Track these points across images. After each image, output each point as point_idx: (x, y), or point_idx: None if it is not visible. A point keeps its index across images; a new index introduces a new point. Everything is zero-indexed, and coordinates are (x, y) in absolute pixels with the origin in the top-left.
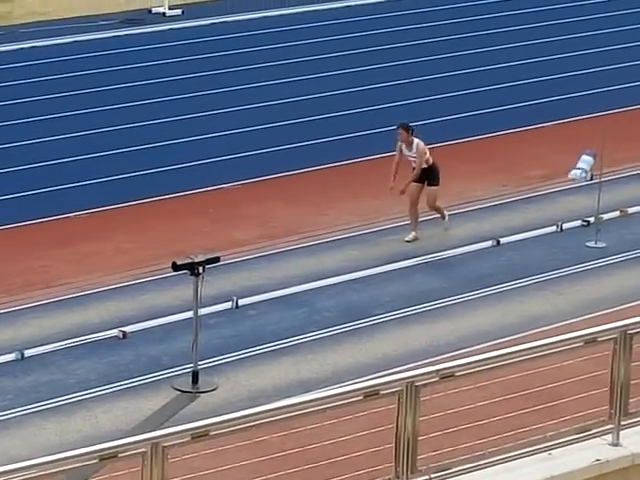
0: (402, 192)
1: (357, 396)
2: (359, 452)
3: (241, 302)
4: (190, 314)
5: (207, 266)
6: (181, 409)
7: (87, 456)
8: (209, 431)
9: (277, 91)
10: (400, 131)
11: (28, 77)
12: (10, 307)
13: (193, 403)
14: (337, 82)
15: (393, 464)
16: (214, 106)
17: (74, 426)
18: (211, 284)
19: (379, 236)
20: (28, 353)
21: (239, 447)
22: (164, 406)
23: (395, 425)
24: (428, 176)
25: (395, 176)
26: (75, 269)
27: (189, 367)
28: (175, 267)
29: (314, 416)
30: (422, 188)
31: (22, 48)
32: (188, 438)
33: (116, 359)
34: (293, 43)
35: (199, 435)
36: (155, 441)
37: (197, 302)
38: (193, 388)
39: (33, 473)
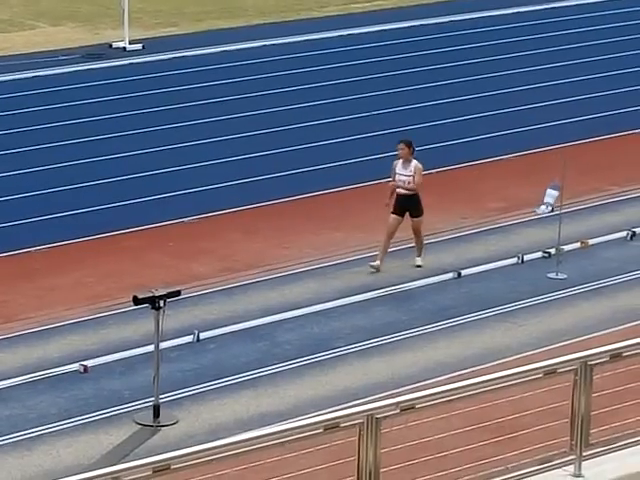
0: (387, 205)
1: (317, 429)
2: None
3: (202, 335)
4: (151, 348)
5: (168, 300)
6: (142, 443)
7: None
8: (170, 464)
9: (234, 125)
10: (402, 146)
11: None
12: None
13: (154, 437)
14: (295, 115)
15: None
16: (171, 140)
17: (35, 460)
18: (172, 318)
19: (340, 269)
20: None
21: None
22: (125, 440)
23: (356, 457)
24: (410, 205)
25: (392, 194)
26: (35, 303)
27: (150, 401)
28: (136, 301)
29: (275, 449)
30: (401, 222)
31: None
32: (149, 472)
33: (77, 393)
34: (254, 77)
35: (160, 469)
36: (116, 475)
37: (158, 336)
38: (154, 422)
39: None
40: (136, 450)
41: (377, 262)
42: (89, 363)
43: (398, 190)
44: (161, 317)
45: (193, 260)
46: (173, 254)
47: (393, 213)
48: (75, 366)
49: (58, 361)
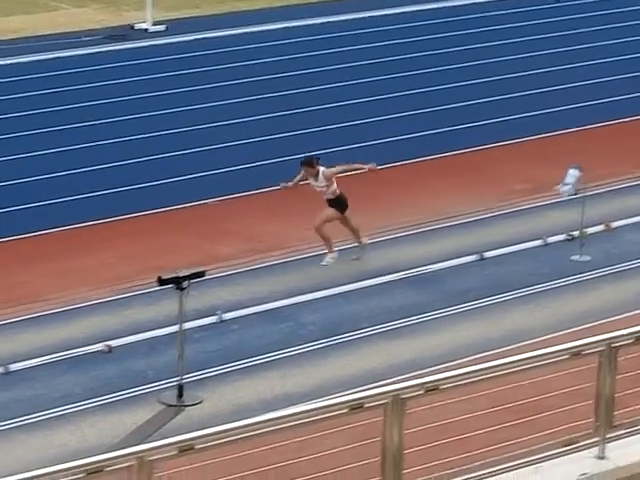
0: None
1: (342, 409)
2: (345, 465)
3: (226, 316)
4: (175, 328)
5: (192, 280)
6: (166, 423)
7: (74, 470)
8: (195, 444)
9: (257, 107)
10: (304, 168)
11: (11, 93)
12: (14, 317)
13: (178, 417)
14: (317, 97)
15: (380, 478)
16: (196, 122)
17: (59, 440)
18: (196, 298)
19: (363, 250)
20: (13, 367)
21: (224, 461)
22: (149, 420)
23: (381, 438)
24: (339, 205)
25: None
26: (58, 284)
27: (174, 381)
28: (160, 281)
29: (299, 429)
30: (341, 217)
31: (4, 64)
32: (174, 452)
33: (101, 373)
34: (275, 59)
35: (185, 449)
36: (141, 455)
37: (182, 316)
38: (178, 402)
39: None
40: (160, 430)
41: (330, 255)
42: (113, 343)
43: (324, 197)
44: (184, 298)
45: (217, 241)
46: (197, 235)
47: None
48: (99, 346)
49: (82, 341)
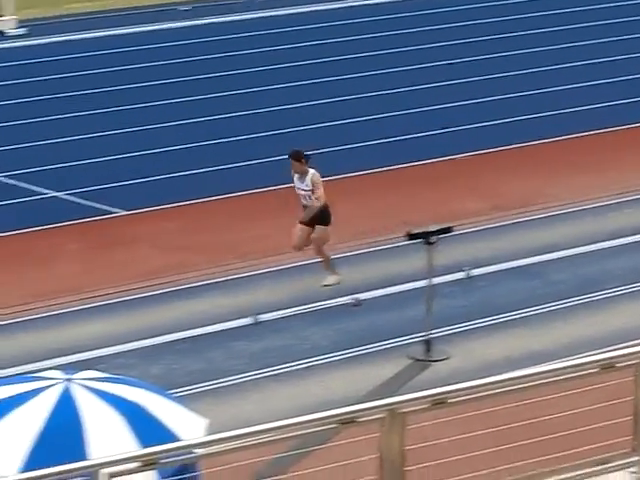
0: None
1: (593, 368)
2: (595, 425)
3: (473, 273)
4: (422, 283)
5: (440, 236)
6: (413, 377)
7: (328, 420)
8: (447, 399)
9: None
10: (292, 162)
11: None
12: (244, 272)
13: (425, 371)
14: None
15: (631, 437)
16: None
17: (308, 391)
18: (443, 254)
19: (612, 209)
20: (262, 318)
21: (469, 417)
22: (397, 374)
23: (634, 397)
24: (317, 219)
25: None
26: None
27: (421, 336)
28: (410, 236)
29: (547, 388)
30: (310, 232)
31: None
32: (427, 405)
33: (348, 326)
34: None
35: (438, 402)
36: (393, 407)
37: (430, 271)
38: (426, 357)
39: (269, 436)
40: (408, 384)
41: (332, 277)
42: (361, 296)
43: (303, 202)
44: (432, 253)
45: (464, 197)
46: (445, 190)
47: (301, 222)
48: (348, 299)
49: (330, 294)
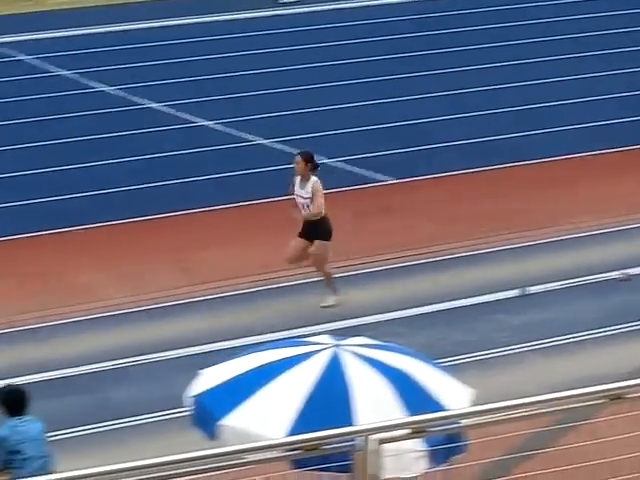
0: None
1: None
2: None
3: None
4: None
5: None
6: None
7: (597, 395)
8: None
9: None
10: (298, 159)
11: None
12: (514, 244)
13: None
14: None
15: None
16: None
17: (568, 366)
18: None
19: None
20: (531, 290)
21: None
22: None
23: None
24: (316, 231)
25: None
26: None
27: None
28: None
29: None
30: (308, 246)
31: None
32: None
33: (615, 302)
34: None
35: None
36: None
37: None
38: None
39: (536, 409)
40: None
41: (332, 298)
42: (631, 271)
43: (302, 212)
44: None
45: None
46: None
47: (300, 236)
48: (616, 274)
49: (599, 268)
